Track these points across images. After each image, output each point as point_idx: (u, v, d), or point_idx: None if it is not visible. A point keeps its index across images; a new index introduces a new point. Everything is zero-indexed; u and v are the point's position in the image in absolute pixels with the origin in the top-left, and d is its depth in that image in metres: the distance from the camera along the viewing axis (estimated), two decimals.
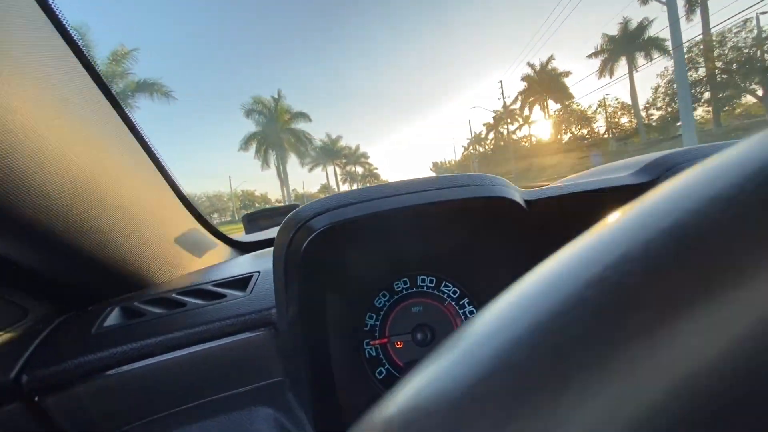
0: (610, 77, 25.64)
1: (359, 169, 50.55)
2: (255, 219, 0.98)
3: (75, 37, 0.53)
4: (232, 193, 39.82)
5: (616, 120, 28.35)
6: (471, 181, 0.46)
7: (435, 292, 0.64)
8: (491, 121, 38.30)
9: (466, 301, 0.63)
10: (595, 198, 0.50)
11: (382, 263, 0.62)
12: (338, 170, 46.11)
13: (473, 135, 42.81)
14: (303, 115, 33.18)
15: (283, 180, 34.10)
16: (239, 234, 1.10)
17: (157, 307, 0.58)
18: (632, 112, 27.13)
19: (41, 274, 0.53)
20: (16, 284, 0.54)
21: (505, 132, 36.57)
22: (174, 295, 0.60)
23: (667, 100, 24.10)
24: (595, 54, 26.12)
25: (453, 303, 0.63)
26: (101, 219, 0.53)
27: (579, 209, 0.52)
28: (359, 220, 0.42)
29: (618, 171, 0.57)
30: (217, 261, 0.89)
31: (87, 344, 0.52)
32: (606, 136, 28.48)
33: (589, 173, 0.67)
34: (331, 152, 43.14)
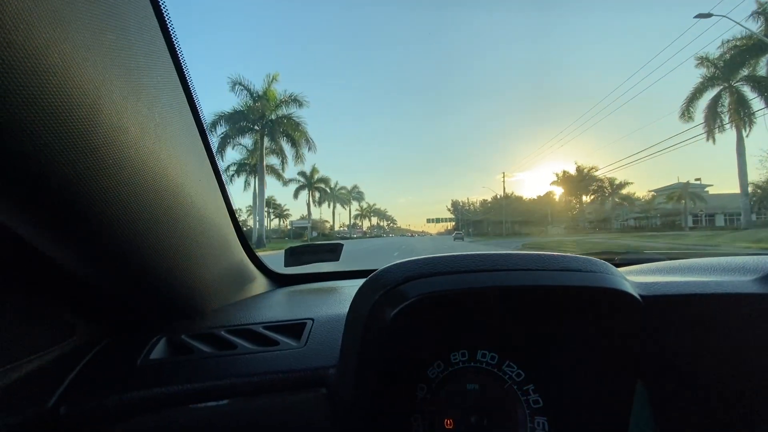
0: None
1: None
2: (298, 253, 0.97)
3: (176, 46, 0.51)
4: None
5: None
6: (580, 265, 0.43)
7: (495, 371, 0.59)
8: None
9: (531, 387, 0.57)
10: (710, 302, 0.46)
11: (445, 334, 0.58)
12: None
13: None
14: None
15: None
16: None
17: (205, 344, 0.55)
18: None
19: (99, 290, 0.51)
20: (69, 300, 0.51)
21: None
22: (223, 333, 0.57)
23: None
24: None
25: (515, 387, 0.58)
26: (171, 238, 0.50)
27: (691, 311, 0.47)
28: (455, 293, 0.40)
29: (727, 272, 0.52)
30: (255, 292, 0.86)
31: (132, 378, 0.48)
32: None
33: (682, 266, 0.62)
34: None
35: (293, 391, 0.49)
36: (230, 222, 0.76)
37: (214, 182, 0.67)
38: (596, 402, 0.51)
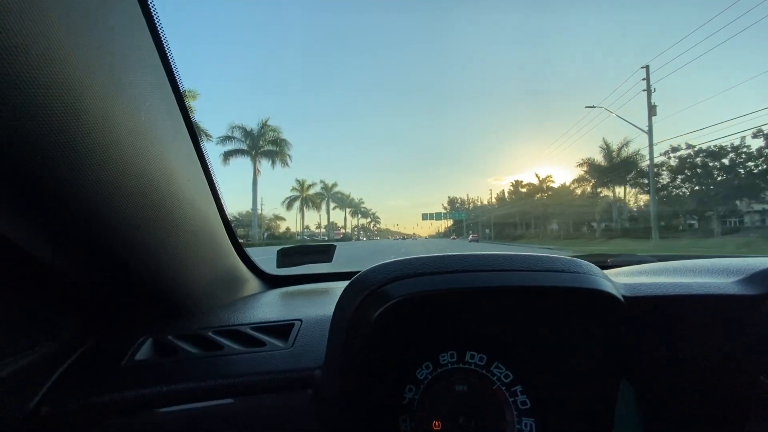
0: None
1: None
2: (289, 254, 0.96)
3: (165, 45, 0.50)
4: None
5: None
6: (566, 266, 0.43)
7: (484, 372, 0.59)
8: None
9: (519, 388, 0.57)
10: (694, 303, 0.46)
11: (433, 334, 0.58)
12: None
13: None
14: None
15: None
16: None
17: (191, 345, 0.54)
18: None
19: (85, 289, 0.50)
20: (55, 299, 0.51)
21: None
22: (210, 333, 0.56)
23: None
24: None
25: (503, 389, 0.58)
26: (159, 237, 0.50)
27: (674, 312, 0.47)
28: (440, 294, 0.39)
29: (712, 274, 0.53)
30: (247, 293, 0.86)
31: (117, 378, 0.48)
32: None
33: (670, 267, 0.62)
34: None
35: (279, 392, 0.49)
36: (222, 224, 0.75)
37: (206, 185, 0.66)
38: (581, 403, 0.51)
